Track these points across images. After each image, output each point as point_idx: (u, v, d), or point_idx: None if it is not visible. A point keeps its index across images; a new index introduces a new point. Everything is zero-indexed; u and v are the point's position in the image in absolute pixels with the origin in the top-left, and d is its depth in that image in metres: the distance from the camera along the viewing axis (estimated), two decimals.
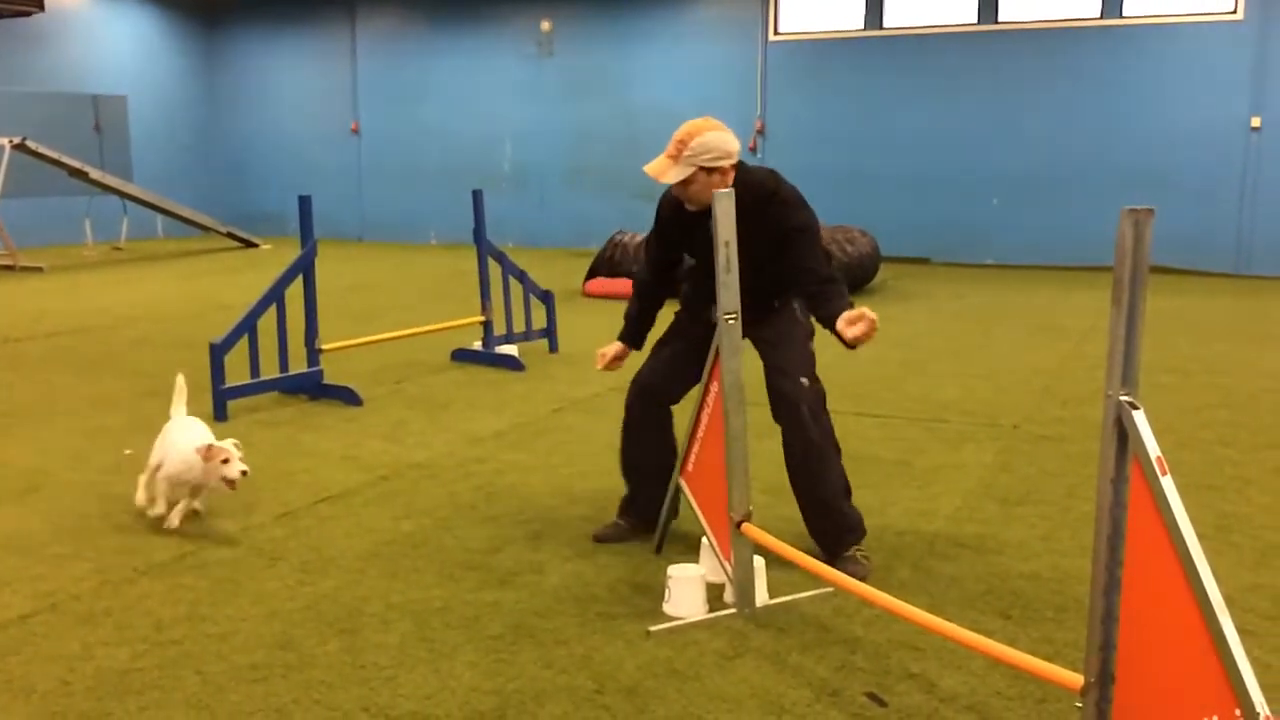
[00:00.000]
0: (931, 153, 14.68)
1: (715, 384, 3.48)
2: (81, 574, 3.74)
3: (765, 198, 3.85)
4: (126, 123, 17.86)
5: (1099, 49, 13.83)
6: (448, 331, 7.73)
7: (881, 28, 14.93)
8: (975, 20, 14.43)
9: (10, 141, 13.54)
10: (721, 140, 3.73)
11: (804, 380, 3.85)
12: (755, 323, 3.80)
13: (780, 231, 3.84)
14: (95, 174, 14.82)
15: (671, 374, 4.04)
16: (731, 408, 3.36)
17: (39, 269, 13.29)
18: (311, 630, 3.30)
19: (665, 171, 3.72)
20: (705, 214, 3.54)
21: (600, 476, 4.90)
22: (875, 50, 14.95)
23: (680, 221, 3.91)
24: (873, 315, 3.48)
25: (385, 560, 3.89)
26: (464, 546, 4.03)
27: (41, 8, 15.97)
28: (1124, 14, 13.74)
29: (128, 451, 5.26)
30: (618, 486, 4.69)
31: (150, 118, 18.20)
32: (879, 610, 3.24)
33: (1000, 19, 14.35)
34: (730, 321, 3.32)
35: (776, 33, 15.49)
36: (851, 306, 3.62)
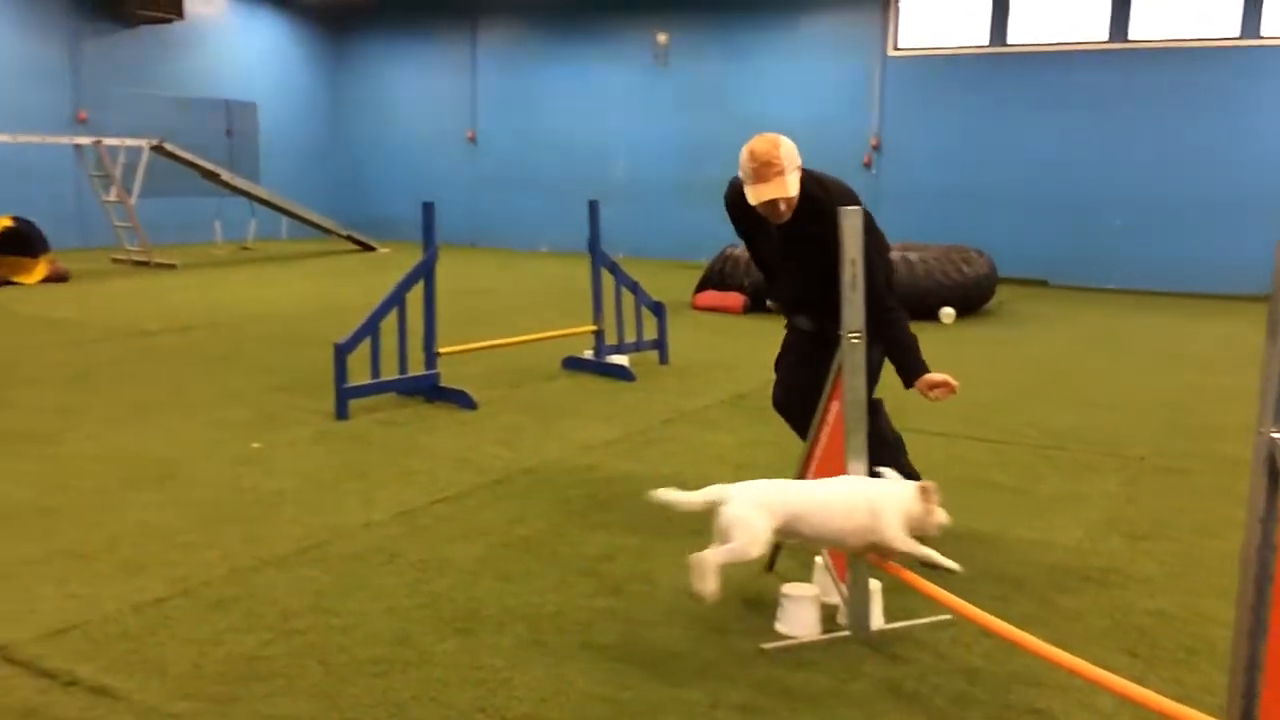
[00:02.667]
0: (1053, 172, 14.31)
1: (836, 402, 3.45)
2: (212, 561, 3.89)
3: (815, 203, 3.91)
4: (257, 128, 18.56)
5: (1235, 69, 13.30)
6: (560, 339, 7.82)
7: (1006, 44, 14.63)
8: (1106, 38, 14.03)
9: (149, 143, 14.17)
10: (787, 140, 3.87)
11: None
12: (834, 336, 3.82)
13: (825, 243, 3.81)
14: (226, 176, 15.40)
15: (793, 385, 4.27)
16: (852, 426, 3.32)
17: (172, 266, 13.87)
18: (429, 628, 3.36)
19: (783, 188, 3.80)
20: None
21: None
22: (998, 67, 14.66)
23: (751, 217, 4.04)
24: (955, 383, 3.75)
25: (499, 563, 3.95)
26: (576, 553, 4.06)
27: (181, 15, 16.71)
28: (1262, 34, 13.21)
29: (256, 445, 5.45)
30: None
31: (279, 123, 18.87)
32: (999, 641, 3.16)
33: (1130, 37, 13.93)
34: (855, 340, 3.29)
35: (896, 48, 15.30)
36: (906, 339, 3.89)
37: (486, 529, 4.32)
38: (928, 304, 10.44)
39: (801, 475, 3.74)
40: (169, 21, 16.71)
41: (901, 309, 4.02)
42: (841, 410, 3.36)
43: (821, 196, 3.91)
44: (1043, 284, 14.18)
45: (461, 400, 6.48)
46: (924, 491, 3.17)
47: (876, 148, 15.41)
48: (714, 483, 4.92)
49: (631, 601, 3.60)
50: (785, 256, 4.18)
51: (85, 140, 13.89)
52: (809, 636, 3.33)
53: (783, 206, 3.86)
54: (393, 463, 5.25)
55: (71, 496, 4.60)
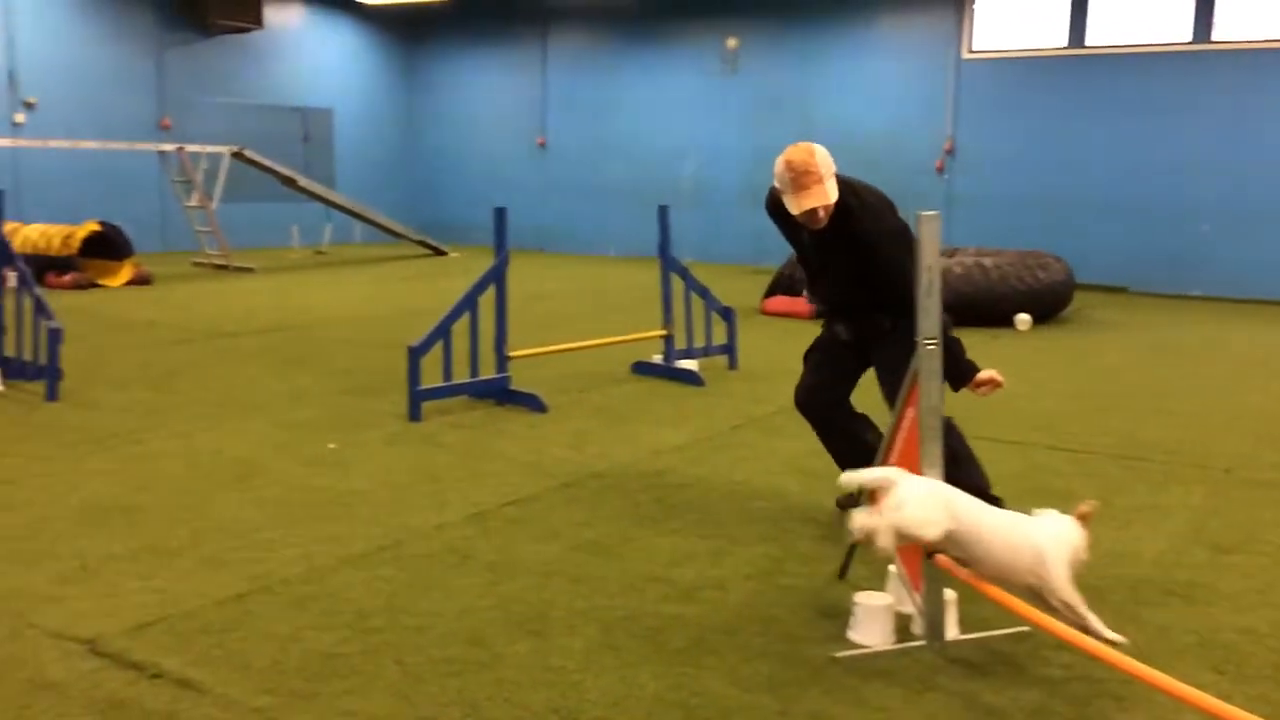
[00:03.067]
0: (1133, 177, 13.99)
1: (911, 409, 3.40)
2: (290, 559, 3.96)
3: (848, 209, 4.08)
4: (332, 134, 18.92)
5: None
6: (629, 344, 7.85)
7: (1084, 46, 14.34)
8: (1190, 39, 13.68)
9: (229, 150, 14.52)
10: (822, 149, 4.03)
11: None
12: (872, 341, 4.27)
13: (859, 249, 4.11)
14: (303, 182, 15.72)
15: (815, 385, 4.47)
16: (927, 434, 3.28)
17: (250, 269, 14.19)
18: (501, 629, 3.39)
19: (822, 195, 3.97)
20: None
21: (780, 496, 4.87)
22: (1076, 70, 14.37)
23: (789, 224, 4.22)
24: (1001, 378, 3.98)
25: (570, 566, 3.97)
26: (646, 558, 4.07)
27: (260, 24, 17.11)
28: None
29: (331, 446, 5.55)
30: (798, 506, 4.66)
31: (353, 130, 19.21)
32: (1079, 654, 3.09)
33: (1214, 38, 13.57)
34: (930, 347, 3.25)
35: (971, 51, 15.09)
36: (951, 344, 3.85)
37: (556, 532, 4.34)
38: (1002, 310, 10.27)
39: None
40: (249, 30, 17.11)
41: (945, 314, 3.95)
42: (917, 418, 3.31)
43: (855, 203, 4.07)
44: (1122, 291, 13.86)
45: (532, 403, 6.52)
46: (1083, 519, 3.08)
47: (950, 152, 15.20)
48: (784, 490, 4.93)
49: (702, 607, 3.60)
50: (821, 262, 4.36)
51: (169, 147, 14.28)
52: (882, 646, 3.29)
53: (821, 213, 4.00)
54: (464, 465, 5.30)
55: (155, 494, 4.73)
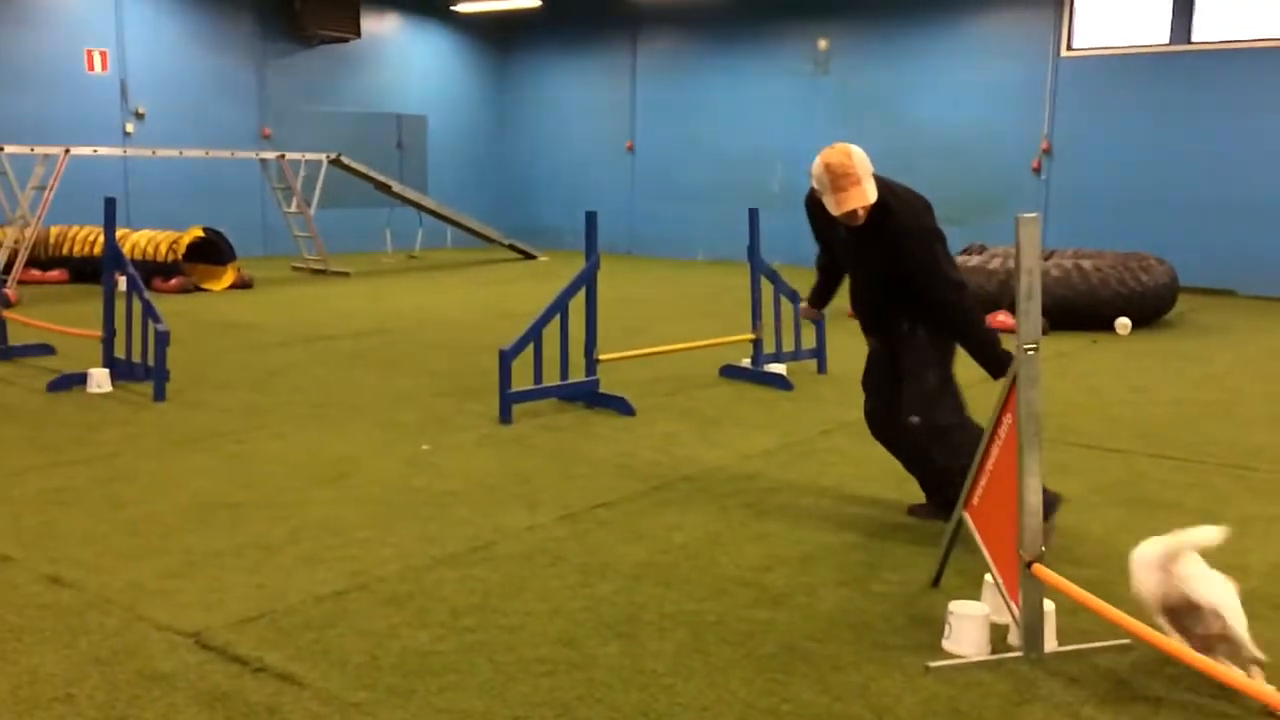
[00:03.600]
0: (1240, 175, 13.48)
1: (1009, 415, 3.34)
2: (386, 558, 4.05)
3: (886, 207, 4.16)
4: (425, 140, 19.26)
5: None
6: (718, 347, 7.83)
7: (1189, 42, 13.88)
8: None
9: (327, 157, 14.89)
10: (858, 150, 4.12)
11: (913, 419, 4.28)
12: (895, 345, 4.39)
13: (894, 247, 4.20)
14: (397, 188, 16.03)
15: (873, 410, 4.63)
16: (1026, 442, 3.21)
17: (346, 274, 14.52)
18: (592, 631, 3.42)
19: (862, 195, 4.06)
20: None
21: (870, 503, 4.82)
22: (1181, 66, 13.91)
23: (828, 224, 4.36)
24: None
25: (659, 569, 3.97)
26: (735, 562, 4.06)
27: (358, 34, 17.51)
28: None
29: (425, 447, 5.65)
30: (889, 513, 4.62)
31: (446, 135, 19.54)
32: (1184, 669, 3.00)
33: None
34: (1030, 352, 3.18)
35: (1070, 48, 14.71)
36: (983, 334, 4.12)
37: (646, 535, 4.36)
38: (1103, 314, 9.99)
39: (970, 491, 3.63)
40: (347, 40, 17.53)
41: (975, 305, 4.27)
42: (1015, 425, 3.24)
43: (893, 202, 4.16)
44: (1230, 294, 13.37)
45: (621, 407, 6.55)
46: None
47: (1047, 151, 14.84)
48: (876, 496, 4.86)
49: (793, 613, 3.57)
50: (856, 260, 4.51)
51: (270, 155, 14.69)
52: (978, 656, 3.23)
53: (861, 213, 4.10)
54: (554, 466, 5.35)
55: (257, 492, 4.87)
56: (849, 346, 8.90)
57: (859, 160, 4.05)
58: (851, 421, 6.42)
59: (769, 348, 7.72)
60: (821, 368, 7.98)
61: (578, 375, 6.65)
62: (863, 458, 5.55)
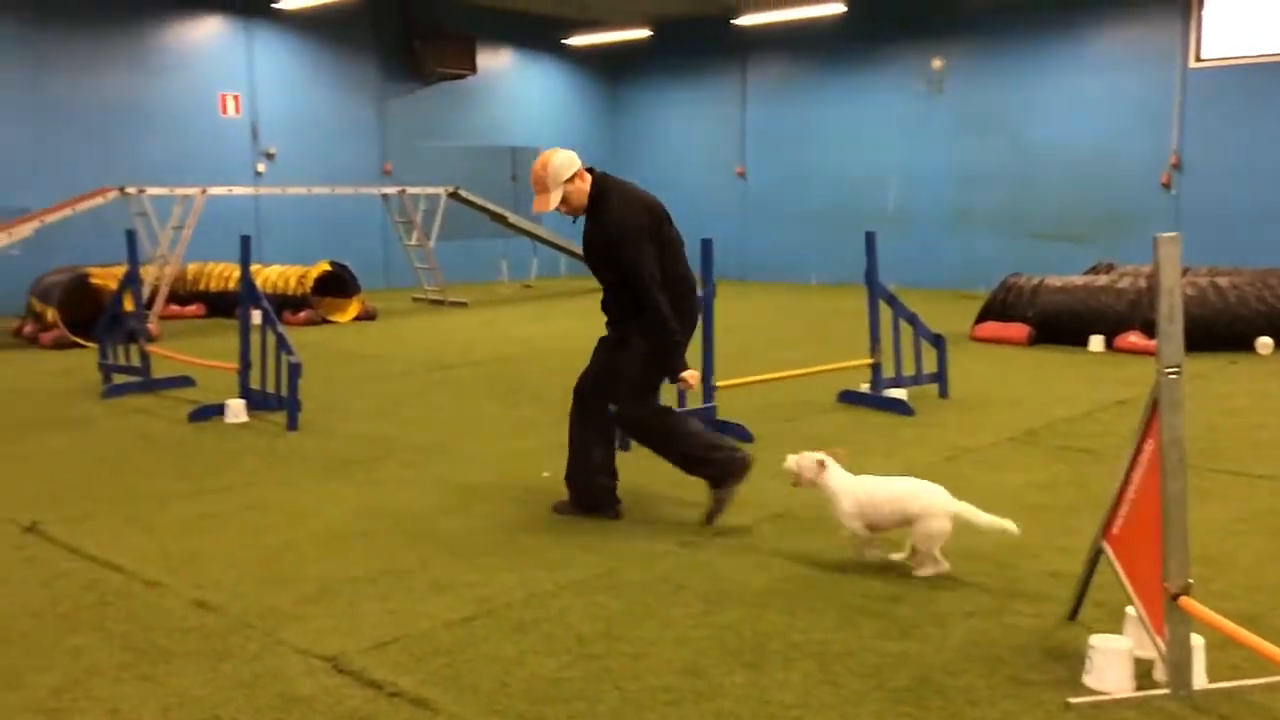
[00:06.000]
0: None
1: (1151, 441, 3.21)
2: (511, 584, 4.10)
3: (592, 208, 4.75)
4: None
5: None
6: (834, 372, 7.74)
7: None
8: None
9: (446, 191, 15.29)
10: (563, 155, 4.78)
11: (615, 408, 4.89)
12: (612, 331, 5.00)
13: (605, 248, 4.73)
14: (512, 219, 16.36)
15: (585, 374, 5.14)
16: (1170, 469, 3.08)
17: (463, 304, 14.85)
18: (717, 660, 3.40)
19: (546, 203, 4.75)
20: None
21: (999, 532, 4.67)
22: None
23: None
24: (691, 383, 4.89)
25: (784, 597, 3.93)
26: (862, 592, 3.99)
27: (474, 70, 17.97)
28: None
29: (546, 474, 5.72)
30: (1021, 542, 4.48)
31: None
32: None
33: None
34: (1173, 376, 3.06)
35: (1199, 59, 14.20)
36: (663, 337, 4.68)
37: (769, 563, 4.32)
38: (1241, 333, 9.57)
39: (1110, 520, 3.51)
40: (463, 77, 18.00)
41: (664, 307, 4.65)
42: (1157, 451, 3.12)
43: (610, 203, 4.68)
44: None
45: (739, 433, 6.53)
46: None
47: (1176, 166, 14.33)
48: (1006, 524, 4.73)
49: (924, 645, 3.49)
50: (585, 256, 5.04)
51: (391, 190, 15.16)
52: (1122, 693, 3.10)
53: (562, 209, 4.78)
54: (674, 493, 5.35)
55: (387, 519, 4.99)
56: (972, 371, 8.73)
57: (552, 170, 4.67)
58: (977, 448, 6.28)
59: (888, 372, 7.60)
60: (943, 392, 7.82)
61: (695, 402, 6.65)
62: (989, 486, 5.41)
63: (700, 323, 6.52)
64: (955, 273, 16.08)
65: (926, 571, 4.12)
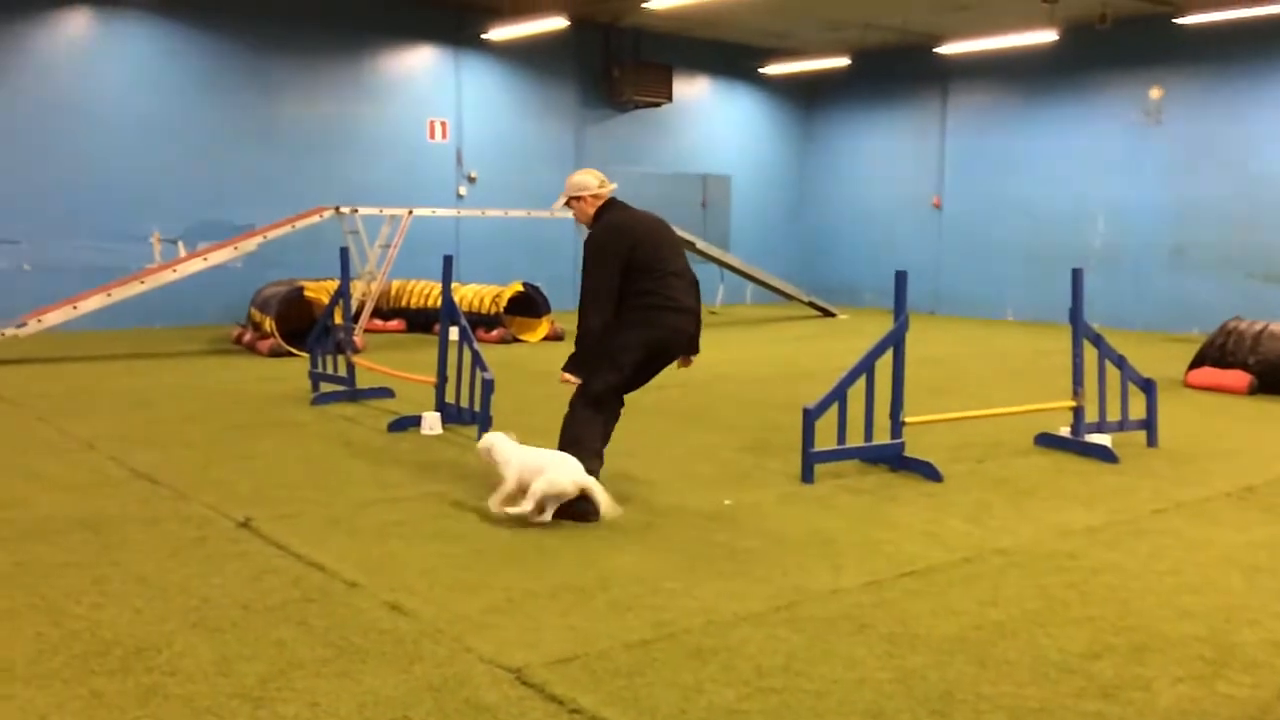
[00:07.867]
0: None
1: None
2: (690, 610, 4.09)
3: (591, 226, 5.80)
4: (729, 199, 19.70)
5: None
6: (1032, 414, 7.41)
7: None
8: None
9: None
10: (579, 178, 5.88)
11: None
12: None
13: (584, 258, 5.61)
14: (701, 245, 16.43)
15: None
16: None
17: None
18: (902, 705, 3.29)
19: (557, 205, 5.99)
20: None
21: (1216, 591, 4.38)
22: None
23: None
24: (572, 381, 5.64)
25: (973, 646, 3.78)
26: (1058, 646, 3.79)
27: (670, 98, 18.23)
28: None
29: (727, 502, 5.70)
30: (1240, 605, 4.18)
31: (749, 194, 19.90)
32: None
33: None
34: None
35: None
36: (583, 339, 5.57)
37: (957, 608, 4.16)
38: None
39: None
40: (659, 105, 18.30)
41: (591, 319, 5.48)
42: None
43: (591, 229, 5.74)
44: None
45: (927, 471, 6.33)
46: None
47: None
48: (1221, 584, 4.42)
49: (1126, 709, 3.28)
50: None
51: None
52: None
53: (579, 219, 5.87)
54: (857, 530, 5.24)
55: (567, 537, 5.08)
56: (1185, 419, 8.20)
57: (568, 183, 5.85)
58: (1190, 501, 5.89)
59: (1091, 416, 7.22)
60: (1152, 440, 7.37)
61: (882, 437, 6.50)
62: (1203, 541, 5.07)
63: (890, 355, 6.39)
64: (1166, 314, 15.18)
65: (524, 510, 5.11)
